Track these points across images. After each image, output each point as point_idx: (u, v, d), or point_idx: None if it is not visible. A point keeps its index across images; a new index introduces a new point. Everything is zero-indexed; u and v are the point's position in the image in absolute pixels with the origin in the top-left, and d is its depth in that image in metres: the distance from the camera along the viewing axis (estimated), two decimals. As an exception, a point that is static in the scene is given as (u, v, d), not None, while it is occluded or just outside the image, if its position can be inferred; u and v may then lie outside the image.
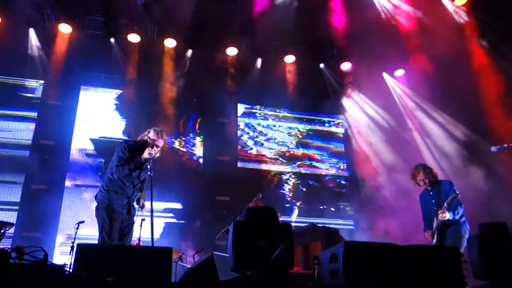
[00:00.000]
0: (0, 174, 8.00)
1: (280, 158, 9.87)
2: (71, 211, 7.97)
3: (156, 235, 6.57)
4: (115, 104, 9.20)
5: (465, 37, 8.25)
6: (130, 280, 2.62)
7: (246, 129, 9.96)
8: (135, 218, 4.48)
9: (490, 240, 3.16)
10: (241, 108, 10.11)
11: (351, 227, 9.42)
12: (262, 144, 9.91)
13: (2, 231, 3.54)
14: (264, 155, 9.79)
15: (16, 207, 7.84)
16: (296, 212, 9.40)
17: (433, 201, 4.97)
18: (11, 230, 6.41)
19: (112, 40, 8.91)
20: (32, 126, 8.47)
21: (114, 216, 4.20)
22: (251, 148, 9.80)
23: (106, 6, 8.28)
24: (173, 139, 9.22)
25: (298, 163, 9.91)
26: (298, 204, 9.50)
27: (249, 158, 9.68)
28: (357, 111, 10.12)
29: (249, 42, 9.11)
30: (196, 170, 9.22)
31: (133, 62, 8.90)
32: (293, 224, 8.76)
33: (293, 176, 9.77)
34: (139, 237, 5.62)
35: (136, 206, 4.49)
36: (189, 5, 8.09)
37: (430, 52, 8.29)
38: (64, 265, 3.86)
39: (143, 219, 6.00)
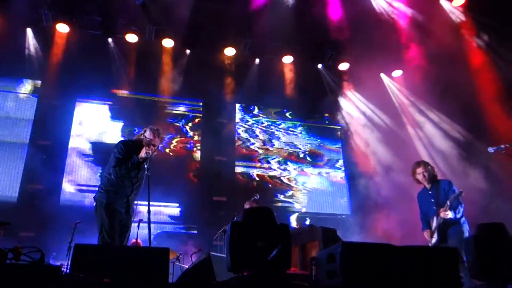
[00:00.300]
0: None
1: (278, 158, 9.89)
2: (70, 211, 7.95)
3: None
4: (113, 104, 9.18)
5: (462, 37, 8.28)
6: (127, 280, 2.62)
7: (244, 129, 9.97)
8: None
9: (487, 241, 3.17)
10: (239, 108, 10.13)
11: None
12: (260, 144, 9.92)
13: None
14: (261, 155, 9.81)
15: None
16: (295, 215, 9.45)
17: (432, 200, 4.96)
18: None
19: (110, 40, 8.89)
20: (29, 125, 8.45)
21: (114, 215, 4.19)
22: (249, 148, 9.81)
23: (104, 6, 8.25)
24: (171, 139, 9.22)
25: (296, 161, 9.93)
26: (295, 203, 9.52)
27: (247, 158, 9.69)
28: (355, 110, 10.18)
29: (247, 42, 9.11)
30: (193, 170, 9.21)
31: (131, 62, 8.89)
32: (292, 225, 8.89)
33: (290, 175, 9.79)
34: (136, 236, 5.63)
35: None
36: (187, 5, 8.09)
37: (427, 51, 8.33)
38: (61, 265, 3.86)
39: (140, 219, 6.03)
